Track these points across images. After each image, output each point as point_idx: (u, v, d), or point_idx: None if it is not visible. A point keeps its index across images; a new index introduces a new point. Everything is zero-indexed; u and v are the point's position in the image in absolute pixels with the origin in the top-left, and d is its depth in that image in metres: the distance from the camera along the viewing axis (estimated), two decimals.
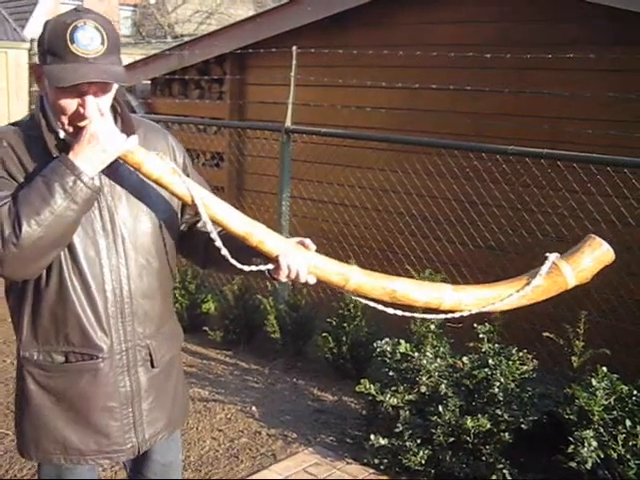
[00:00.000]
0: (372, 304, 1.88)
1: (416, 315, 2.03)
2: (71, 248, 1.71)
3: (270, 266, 1.80)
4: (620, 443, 2.77)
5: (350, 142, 4.94)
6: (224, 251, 1.78)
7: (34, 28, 18.50)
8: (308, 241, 1.83)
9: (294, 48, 4.76)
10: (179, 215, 1.93)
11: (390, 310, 1.89)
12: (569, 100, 4.21)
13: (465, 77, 4.58)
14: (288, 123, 4.71)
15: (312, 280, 1.81)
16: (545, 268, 1.89)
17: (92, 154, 1.63)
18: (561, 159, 3.87)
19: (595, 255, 1.89)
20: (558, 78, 4.28)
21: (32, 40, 6.97)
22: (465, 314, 1.90)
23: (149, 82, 6.81)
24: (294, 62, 4.74)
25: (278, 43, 5.40)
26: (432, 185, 4.64)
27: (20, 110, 7.92)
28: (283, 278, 1.79)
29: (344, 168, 5.15)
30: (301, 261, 1.77)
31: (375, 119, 5.02)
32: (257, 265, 1.81)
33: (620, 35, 4.07)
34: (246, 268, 1.81)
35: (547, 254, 1.91)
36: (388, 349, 3.34)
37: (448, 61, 4.61)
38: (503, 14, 4.55)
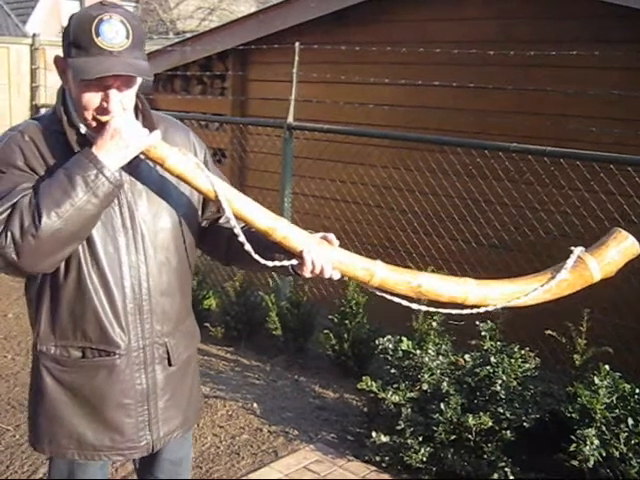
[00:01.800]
0: (397, 300, 1.85)
1: (441, 310, 2.00)
2: (90, 244, 1.70)
3: (294, 262, 1.78)
4: (622, 442, 2.77)
5: (352, 139, 4.92)
6: (248, 246, 1.76)
7: (36, 23, 18.51)
8: (332, 236, 1.80)
9: (296, 44, 4.74)
10: (200, 212, 1.91)
11: (414, 305, 1.88)
12: (573, 98, 4.19)
13: (468, 74, 4.57)
14: (290, 119, 4.70)
15: (336, 275, 1.79)
16: (571, 262, 1.86)
17: (115, 149, 1.63)
18: (564, 157, 3.85)
19: (620, 248, 1.86)
20: (562, 75, 4.27)
21: (34, 35, 6.95)
22: (490, 309, 1.87)
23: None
24: (296, 58, 4.72)
25: (280, 39, 5.39)
26: (435, 182, 4.63)
27: (21, 105, 7.92)
28: (307, 274, 1.77)
29: (346, 165, 5.14)
30: (326, 256, 1.75)
31: (378, 116, 5.00)
32: (281, 261, 1.79)
33: (624, 32, 4.05)
34: (270, 264, 1.79)
35: (572, 247, 1.88)
36: (390, 346, 3.33)
37: (451, 58, 4.60)
38: (507, 11, 4.54)
